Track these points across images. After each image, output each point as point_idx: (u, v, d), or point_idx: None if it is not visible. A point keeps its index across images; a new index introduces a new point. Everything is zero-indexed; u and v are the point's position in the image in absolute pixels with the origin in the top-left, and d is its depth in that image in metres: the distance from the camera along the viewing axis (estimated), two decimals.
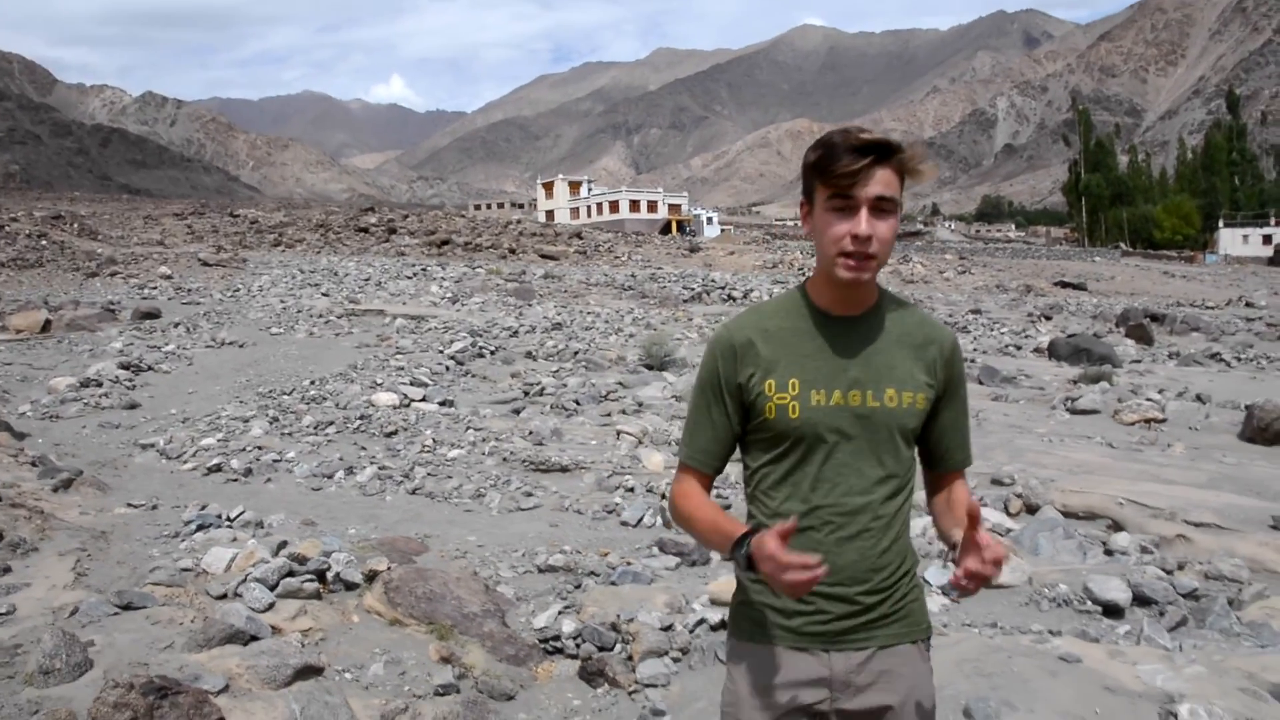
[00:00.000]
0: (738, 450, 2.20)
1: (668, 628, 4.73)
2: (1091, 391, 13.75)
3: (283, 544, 5.59)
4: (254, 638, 4.45)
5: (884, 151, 1.92)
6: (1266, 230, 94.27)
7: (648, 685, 4.35)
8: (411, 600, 4.93)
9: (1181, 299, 45.72)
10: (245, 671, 4.06)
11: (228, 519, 6.44)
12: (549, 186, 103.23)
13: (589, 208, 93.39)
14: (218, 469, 8.19)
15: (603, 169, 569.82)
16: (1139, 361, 20.84)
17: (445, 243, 47.64)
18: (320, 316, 20.36)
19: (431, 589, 4.98)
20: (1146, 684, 4.26)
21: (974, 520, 1.92)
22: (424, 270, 34.06)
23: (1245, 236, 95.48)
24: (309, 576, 5.17)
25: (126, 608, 4.73)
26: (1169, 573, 6.35)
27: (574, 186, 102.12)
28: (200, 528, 6.21)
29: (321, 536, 5.80)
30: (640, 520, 6.97)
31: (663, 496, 7.69)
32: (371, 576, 5.21)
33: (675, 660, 4.55)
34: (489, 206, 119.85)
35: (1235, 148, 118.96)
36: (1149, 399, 13.04)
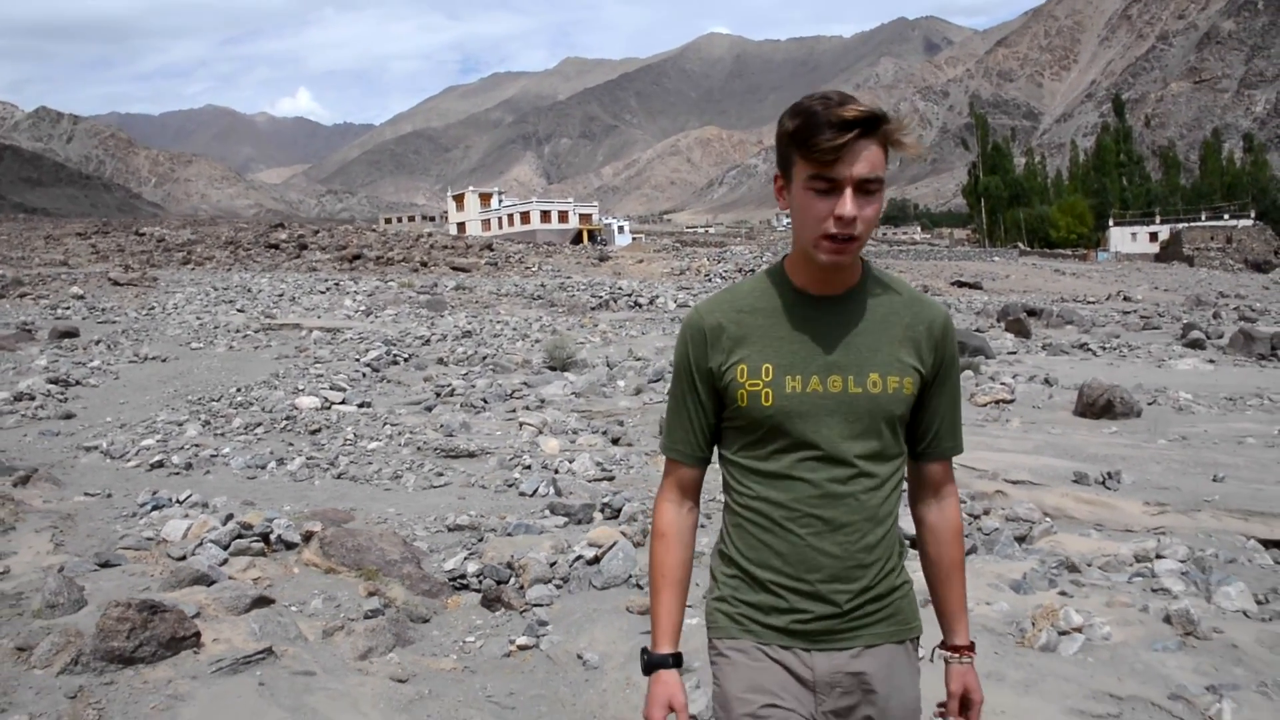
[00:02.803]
0: None
1: (553, 563, 5.89)
2: None
3: (229, 516, 6.61)
4: (214, 581, 5.48)
5: (870, 125, 1.77)
6: (1152, 228, 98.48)
7: (535, 605, 5.49)
8: (342, 552, 6.00)
9: (1068, 295, 48.30)
10: (212, 603, 5.10)
11: (177, 501, 7.42)
12: (460, 199, 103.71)
13: (500, 219, 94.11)
14: (160, 464, 9.10)
15: (514, 179, 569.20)
16: (1014, 353, 22.54)
17: (357, 257, 48.15)
18: (238, 331, 21.07)
19: (359, 543, 6.05)
20: (918, 586, 5.53)
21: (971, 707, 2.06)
22: (337, 285, 34.72)
23: (1134, 234, 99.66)
24: (255, 538, 6.22)
25: (105, 565, 5.72)
26: (975, 517, 7.67)
27: (485, 198, 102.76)
28: (155, 508, 7.19)
29: (262, 510, 6.83)
30: (536, 491, 8.13)
31: (555, 471, 8.85)
32: (308, 537, 6.27)
33: (557, 586, 5.72)
34: (400, 220, 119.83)
35: (1122, 149, 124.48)
36: (1002, 383, 14.57)
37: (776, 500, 1.95)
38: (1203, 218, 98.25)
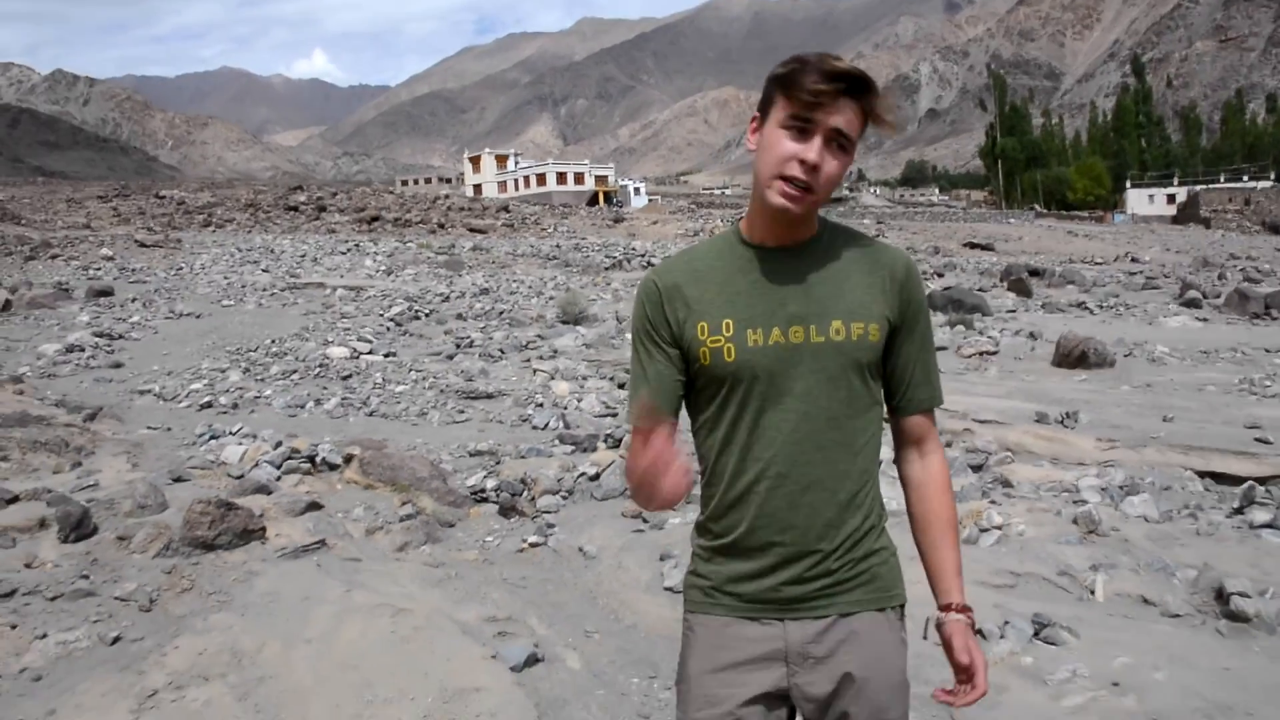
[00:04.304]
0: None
1: (560, 479, 6.88)
2: (942, 331, 16.12)
3: (279, 442, 7.59)
4: (272, 492, 6.46)
5: (856, 85, 1.78)
6: (1170, 190, 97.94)
7: (544, 512, 6.47)
8: (379, 470, 6.97)
9: (1078, 256, 48.80)
10: (272, 507, 6.08)
11: (230, 433, 8.41)
12: (476, 161, 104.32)
13: (516, 181, 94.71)
14: (209, 405, 10.10)
15: (530, 141, 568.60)
16: (1013, 311, 23.35)
17: (375, 219, 48.98)
18: (265, 290, 22.06)
19: (393, 463, 7.02)
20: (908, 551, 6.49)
21: (970, 676, 1.91)
22: (357, 246, 35.65)
23: (1151, 196, 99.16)
24: (304, 460, 7.21)
25: (177, 480, 6.71)
26: None
27: (501, 160, 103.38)
28: (212, 437, 8.20)
29: (307, 439, 7.81)
30: (547, 424, 9.14)
31: (565, 409, 9.81)
32: (349, 459, 7.25)
33: (564, 498, 6.70)
34: (416, 182, 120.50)
35: (1142, 111, 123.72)
36: (988, 336, 15.44)
37: (745, 461, 1.89)
38: (1222, 179, 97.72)
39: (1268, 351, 14.93)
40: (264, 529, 5.65)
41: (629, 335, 16.12)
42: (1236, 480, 8.19)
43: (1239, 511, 6.19)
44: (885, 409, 2.02)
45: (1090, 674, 3.99)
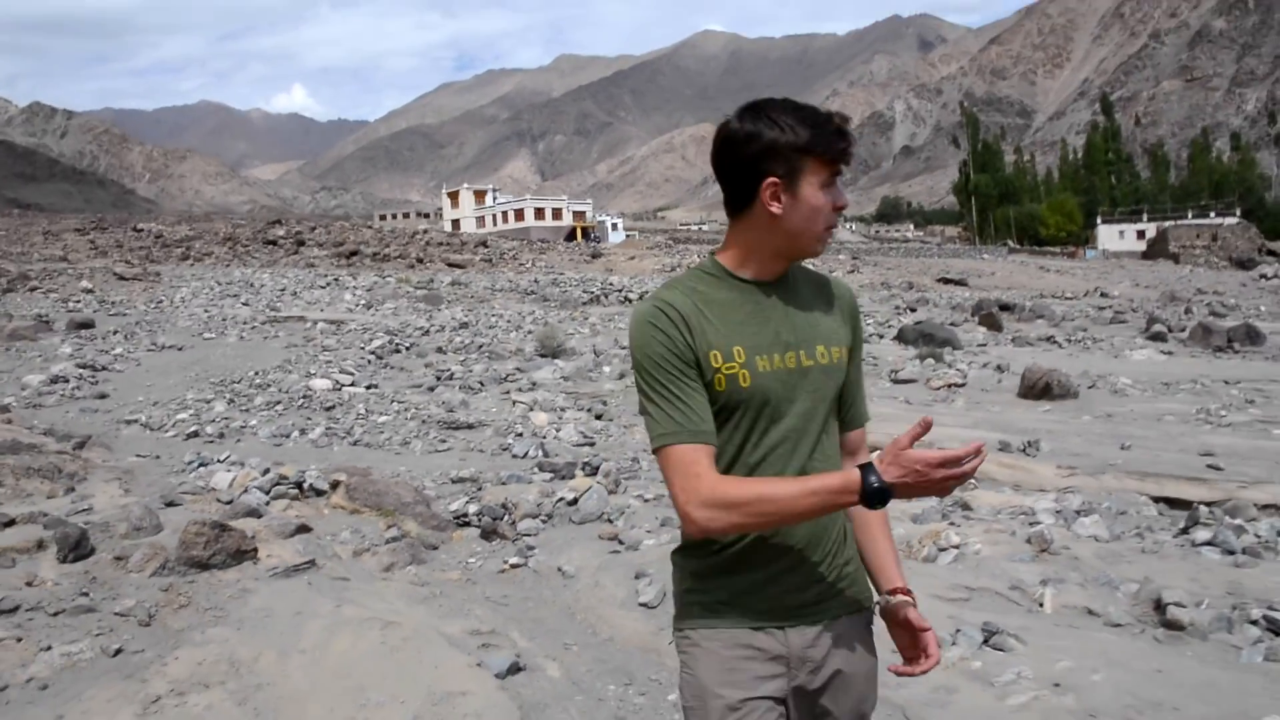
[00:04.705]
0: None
1: (540, 504, 7.15)
2: (912, 364, 16.51)
3: (267, 469, 7.83)
4: (262, 515, 6.70)
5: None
6: (1140, 226, 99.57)
7: (525, 535, 6.74)
8: (365, 496, 7.23)
9: (1049, 291, 49.51)
10: (263, 529, 6.33)
11: (218, 460, 8.65)
12: (454, 196, 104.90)
13: (494, 216, 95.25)
14: (195, 434, 10.32)
15: (509, 176, 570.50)
16: (984, 345, 23.77)
17: (354, 254, 49.16)
18: (246, 323, 22.26)
19: (378, 488, 7.29)
20: None
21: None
22: (336, 280, 35.87)
23: (1121, 232, 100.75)
24: (291, 486, 7.46)
25: (170, 504, 6.93)
26: None
27: (479, 195, 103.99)
28: (200, 464, 8.43)
29: (294, 466, 8.06)
30: (526, 454, 9.42)
31: (544, 438, 10.09)
32: (335, 485, 7.50)
33: (543, 521, 6.98)
34: (395, 217, 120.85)
35: (1111, 148, 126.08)
36: (956, 369, 15.83)
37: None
38: (1189, 216, 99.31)
39: (1226, 383, 15.35)
40: (256, 550, 5.89)
41: (606, 369, 16.58)
42: (1188, 505, 8.57)
43: (1185, 532, 6.53)
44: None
45: (1034, 676, 4.30)
